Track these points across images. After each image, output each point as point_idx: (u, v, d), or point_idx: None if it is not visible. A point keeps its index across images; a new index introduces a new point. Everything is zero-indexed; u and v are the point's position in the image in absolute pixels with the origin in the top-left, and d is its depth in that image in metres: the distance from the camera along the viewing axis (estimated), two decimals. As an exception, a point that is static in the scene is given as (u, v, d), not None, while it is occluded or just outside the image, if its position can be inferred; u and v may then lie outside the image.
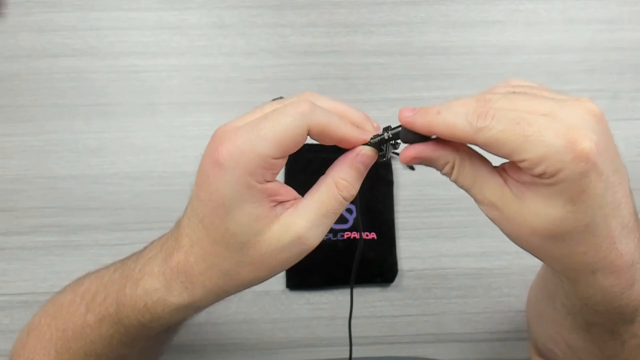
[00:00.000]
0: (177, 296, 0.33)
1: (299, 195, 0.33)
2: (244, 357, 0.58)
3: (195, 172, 0.31)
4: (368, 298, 0.59)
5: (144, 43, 0.66)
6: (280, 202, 0.31)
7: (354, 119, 0.33)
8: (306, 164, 0.59)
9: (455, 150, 0.30)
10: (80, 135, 0.63)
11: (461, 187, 0.31)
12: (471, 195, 0.31)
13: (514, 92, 0.29)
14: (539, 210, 0.27)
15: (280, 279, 0.59)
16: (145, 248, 0.37)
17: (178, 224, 0.34)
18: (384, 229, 0.60)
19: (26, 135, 0.62)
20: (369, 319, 0.58)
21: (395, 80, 0.65)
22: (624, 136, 0.64)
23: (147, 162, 0.62)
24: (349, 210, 0.60)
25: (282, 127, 0.29)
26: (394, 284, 0.59)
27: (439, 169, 0.31)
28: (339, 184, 0.31)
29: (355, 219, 0.59)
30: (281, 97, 0.33)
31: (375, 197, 0.60)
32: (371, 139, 0.32)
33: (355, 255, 0.59)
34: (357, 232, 0.59)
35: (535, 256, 0.31)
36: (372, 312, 0.59)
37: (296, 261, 0.32)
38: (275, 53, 0.66)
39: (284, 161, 0.30)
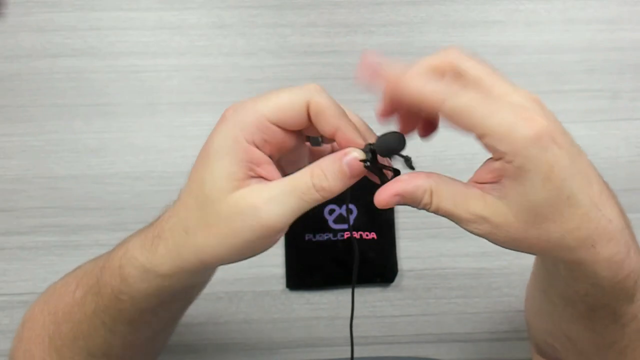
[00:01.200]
0: (144, 253, 0.33)
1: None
2: (244, 357, 0.58)
3: None
4: (368, 298, 0.59)
5: (144, 43, 0.66)
6: (260, 177, 0.31)
7: (357, 123, 0.33)
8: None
9: (428, 176, 0.30)
10: (80, 135, 0.63)
11: (444, 213, 0.30)
12: (456, 219, 0.30)
13: (479, 61, 0.30)
14: (522, 199, 0.27)
15: (280, 279, 0.59)
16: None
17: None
18: (384, 229, 0.60)
19: (26, 135, 0.62)
20: (369, 319, 0.58)
21: (395, 80, 0.65)
22: (624, 136, 0.64)
23: (147, 162, 0.62)
24: (349, 210, 0.60)
25: (284, 94, 0.31)
26: (394, 284, 0.59)
27: (418, 200, 0.30)
28: (314, 170, 0.31)
29: (355, 219, 0.59)
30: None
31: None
32: (369, 161, 0.31)
33: (355, 255, 0.59)
34: (357, 232, 0.59)
35: (537, 253, 0.31)
36: (372, 312, 0.59)
37: (253, 243, 0.30)
38: (275, 53, 0.66)
39: (278, 135, 0.31)
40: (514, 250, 0.30)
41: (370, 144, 0.31)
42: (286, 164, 0.36)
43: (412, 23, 0.67)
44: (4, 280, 0.59)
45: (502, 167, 0.27)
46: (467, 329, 0.59)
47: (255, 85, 0.65)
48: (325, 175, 0.30)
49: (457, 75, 0.30)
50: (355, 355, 0.57)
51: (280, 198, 0.30)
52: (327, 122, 0.31)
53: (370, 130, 0.34)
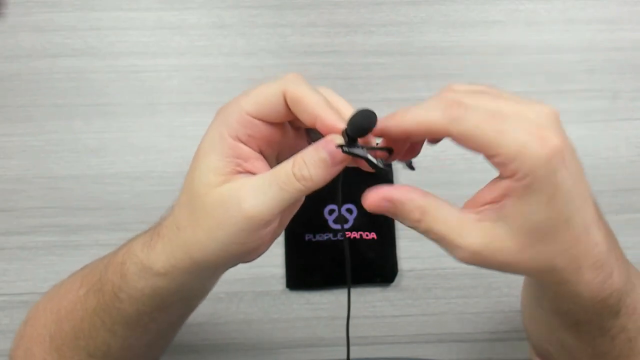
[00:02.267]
0: (142, 249, 0.33)
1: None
2: (244, 357, 0.58)
3: None
4: (368, 298, 0.59)
5: (144, 43, 0.66)
6: (249, 172, 0.31)
7: (337, 105, 0.32)
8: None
9: (424, 194, 0.29)
10: (80, 135, 0.63)
11: (435, 236, 0.29)
12: (447, 244, 0.28)
13: (479, 91, 0.29)
14: (523, 218, 0.27)
15: (280, 279, 0.59)
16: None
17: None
18: (384, 229, 0.60)
19: (26, 135, 0.62)
20: (368, 319, 0.58)
21: (395, 80, 0.65)
22: (624, 136, 0.64)
23: (147, 162, 0.62)
24: (349, 210, 0.60)
25: (262, 87, 0.31)
26: (394, 284, 0.59)
27: (407, 213, 0.29)
28: (296, 160, 0.30)
29: (355, 219, 0.59)
30: None
31: (375, 197, 0.60)
32: (345, 146, 0.30)
33: (356, 255, 0.59)
34: (357, 232, 0.59)
35: (525, 273, 0.30)
36: (372, 312, 0.59)
37: (237, 235, 0.30)
38: (275, 53, 0.66)
39: (261, 128, 0.31)
40: (499, 271, 0.30)
41: (345, 129, 0.30)
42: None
43: (412, 23, 0.67)
44: (4, 280, 0.59)
45: (508, 186, 0.27)
46: (467, 329, 0.59)
47: (255, 85, 0.65)
48: (305, 164, 0.30)
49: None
50: (355, 355, 0.57)
51: (262, 188, 0.30)
52: (305, 111, 0.30)
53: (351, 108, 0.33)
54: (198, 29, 0.67)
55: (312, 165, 0.30)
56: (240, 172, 0.31)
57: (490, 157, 0.27)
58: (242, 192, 0.30)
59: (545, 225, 0.27)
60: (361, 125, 0.29)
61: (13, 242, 0.59)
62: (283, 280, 0.59)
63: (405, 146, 0.32)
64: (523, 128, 0.26)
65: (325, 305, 0.59)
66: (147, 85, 0.65)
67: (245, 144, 0.31)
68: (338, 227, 0.59)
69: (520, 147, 0.26)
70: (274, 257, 0.59)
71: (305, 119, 0.31)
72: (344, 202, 0.60)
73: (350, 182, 0.60)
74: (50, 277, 0.59)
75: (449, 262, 0.60)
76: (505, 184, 0.27)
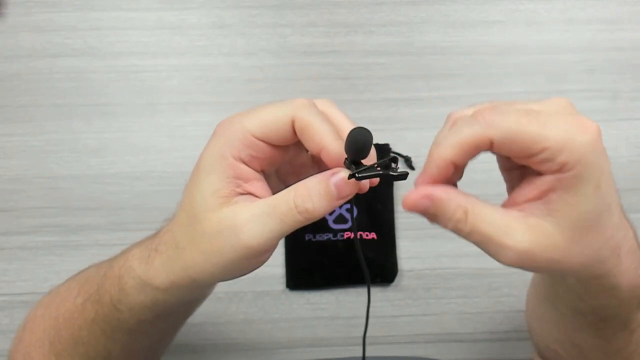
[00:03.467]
0: (140, 264, 0.33)
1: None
2: (244, 357, 0.58)
3: None
4: (368, 298, 0.59)
5: (144, 43, 0.66)
6: (248, 193, 0.31)
7: (337, 122, 0.31)
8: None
9: (465, 194, 0.27)
10: (80, 135, 0.63)
11: (479, 237, 0.27)
12: (494, 246, 0.26)
13: (497, 102, 0.29)
14: (572, 210, 0.26)
15: (280, 279, 0.59)
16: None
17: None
18: (384, 229, 0.60)
19: (26, 135, 0.62)
20: (369, 319, 0.58)
21: (395, 80, 0.65)
22: (624, 136, 0.64)
23: (147, 162, 0.62)
24: (349, 210, 0.60)
25: (270, 109, 0.30)
26: (394, 284, 0.59)
27: (449, 213, 0.27)
28: (298, 190, 0.29)
29: (355, 219, 0.59)
30: None
31: (375, 197, 0.60)
32: (357, 172, 0.28)
33: (355, 255, 0.59)
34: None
35: (569, 271, 0.28)
36: (372, 312, 0.58)
37: (233, 263, 0.30)
38: (275, 53, 0.66)
39: (265, 150, 0.30)
40: (544, 273, 0.29)
41: (346, 159, 0.29)
42: (286, 174, 0.35)
43: (412, 23, 0.67)
44: (4, 280, 0.59)
45: (554, 180, 0.26)
46: (467, 329, 0.59)
47: (255, 85, 0.65)
48: (309, 196, 0.29)
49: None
50: (355, 354, 0.57)
51: (260, 219, 0.29)
52: (312, 140, 0.29)
53: None
54: (198, 29, 0.67)
55: (317, 198, 0.29)
56: (240, 194, 0.30)
57: (535, 154, 0.25)
58: (241, 221, 0.29)
59: (593, 215, 0.26)
60: (358, 147, 0.28)
61: (13, 242, 0.59)
62: (283, 280, 0.59)
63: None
64: (560, 119, 0.25)
65: (325, 305, 0.59)
66: (147, 85, 0.65)
67: (246, 164, 0.30)
68: (338, 227, 0.59)
69: (566, 137, 0.25)
70: (274, 257, 0.59)
71: (312, 147, 0.30)
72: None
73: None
74: (50, 277, 0.59)
75: (449, 262, 0.60)
76: (549, 178, 0.26)
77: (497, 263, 0.58)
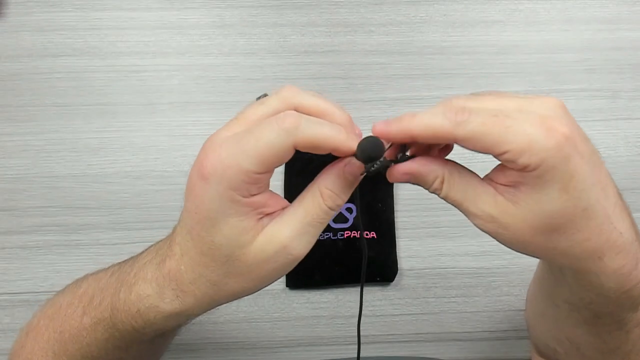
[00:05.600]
0: (169, 303, 0.33)
1: (288, 204, 0.32)
2: (244, 357, 0.58)
3: (194, 162, 0.31)
4: (368, 297, 0.59)
5: (145, 43, 0.66)
6: (268, 214, 0.31)
7: (340, 122, 0.31)
8: (306, 164, 0.59)
9: (444, 164, 0.30)
10: (80, 134, 0.63)
11: (452, 202, 0.30)
12: (464, 211, 0.30)
13: (481, 94, 0.29)
14: (536, 207, 0.27)
15: (280, 278, 0.59)
16: (142, 252, 0.37)
17: (173, 229, 0.34)
18: (383, 228, 0.60)
19: (27, 134, 0.63)
20: (369, 318, 0.59)
21: (395, 79, 0.66)
22: (623, 135, 0.64)
23: (147, 161, 0.62)
24: (348, 209, 0.60)
25: (265, 143, 0.28)
26: (393, 283, 0.59)
27: (429, 184, 0.30)
28: (324, 193, 0.31)
29: (355, 218, 0.59)
30: (265, 95, 0.32)
31: (375, 197, 0.61)
32: (368, 167, 0.30)
33: (355, 255, 0.59)
34: (357, 231, 0.59)
35: (541, 257, 0.31)
36: (372, 311, 0.59)
37: (286, 271, 0.32)
38: (275, 52, 0.66)
39: (270, 174, 0.30)
40: (518, 251, 0.30)
41: (355, 154, 0.30)
42: None
43: (412, 23, 0.68)
44: (5, 279, 0.59)
45: (519, 176, 0.27)
46: (466, 328, 0.59)
47: (255, 84, 0.65)
48: (335, 194, 0.31)
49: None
50: (354, 354, 0.57)
51: (302, 230, 0.30)
52: (322, 149, 0.30)
53: (353, 123, 0.32)
54: (198, 28, 0.67)
55: (342, 192, 0.31)
56: (262, 218, 0.31)
57: (499, 155, 0.27)
58: (286, 240, 0.30)
59: (559, 216, 0.27)
60: (370, 154, 0.29)
61: (14, 242, 0.60)
62: (283, 279, 0.59)
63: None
64: (528, 121, 0.26)
65: (325, 304, 0.59)
66: (148, 85, 0.65)
67: (257, 194, 0.30)
68: (338, 226, 0.59)
69: (527, 140, 0.25)
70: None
71: (321, 152, 0.30)
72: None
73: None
74: (51, 276, 0.59)
75: (449, 261, 0.60)
76: (516, 174, 0.27)
77: (496, 262, 0.59)
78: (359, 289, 0.59)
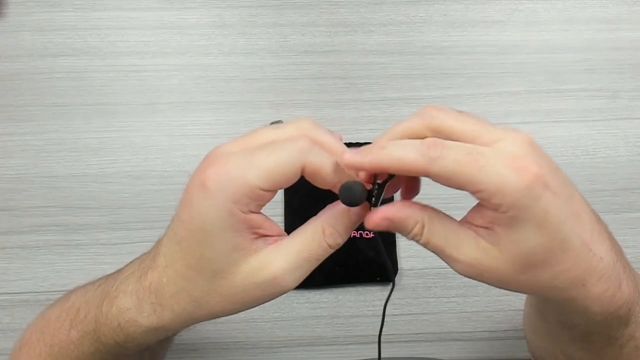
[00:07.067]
0: (146, 318, 0.32)
1: (284, 232, 0.32)
2: (244, 356, 0.58)
3: (195, 171, 0.31)
4: (368, 297, 0.59)
5: (145, 43, 0.66)
6: (263, 236, 0.30)
7: (329, 148, 0.31)
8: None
9: (423, 209, 0.29)
10: (80, 134, 0.63)
11: (433, 248, 0.29)
12: (445, 257, 0.29)
13: (454, 112, 0.29)
14: (515, 247, 0.27)
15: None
16: (126, 265, 0.36)
17: (158, 242, 0.33)
18: (383, 228, 0.60)
19: (27, 134, 0.63)
20: (369, 318, 0.59)
21: (395, 79, 0.66)
22: (623, 135, 0.64)
23: (147, 161, 0.62)
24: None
25: (276, 160, 0.28)
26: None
27: (408, 230, 0.29)
28: (327, 230, 0.30)
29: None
30: (280, 121, 0.32)
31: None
32: (373, 202, 0.30)
33: (355, 254, 0.59)
34: (357, 231, 0.59)
35: (525, 292, 0.31)
36: (372, 311, 0.59)
37: (270, 300, 0.31)
38: (275, 52, 0.66)
39: (273, 195, 0.29)
40: (501, 288, 0.30)
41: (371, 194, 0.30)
42: None
43: (411, 22, 0.68)
44: (4, 279, 0.59)
45: (495, 216, 0.27)
46: (467, 327, 0.59)
47: (255, 84, 0.65)
48: (337, 232, 0.30)
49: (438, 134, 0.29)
50: (355, 354, 0.57)
51: (298, 264, 0.30)
52: (324, 182, 0.30)
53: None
54: (198, 28, 0.67)
55: (344, 231, 0.31)
56: (256, 238, 0.30)
57: (474, 193, 0.27)
58: (279, 271, 0.30)
59: (538, 251, 0.27)
60: (350, 201, 0.29)
61: (14, 241, 0.60)
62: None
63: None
64: (500, 162, 0.26)
65: (325, 304, 0.59)
66: (148, 85, 0.65)
67: (255, 212, 0.30)
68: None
69: (499, 181, 0.26)
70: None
71: (321, 185, 0.30)
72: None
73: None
74: (51, 276, 0.59)
75: (449, 261, 0.60)
76: (491, 213, 0.27)
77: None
78: (359, 289, 0.59)
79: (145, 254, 0.35)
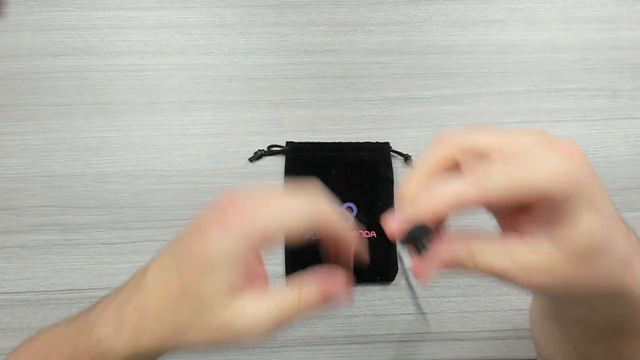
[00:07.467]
0: (124, 344, 0.32)
1: (268, 279, 0.34)
2: (245, 356, 0.58)
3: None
4: (368, 297, 0.59)
5: (145, 42, 0.66)
6: (252, 287, 0.31)
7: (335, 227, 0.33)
8: (306, 164, 0.59)
9: (462, 238, 0.28)
10: (80, 134, 0.63)
11: (486, 269, 0.28)
12: (502, 274, 0.28)
13: (466, 130, 0.29)
14: (575, 237, 0.26)
15: (280, 278, 0.59)
16: (96, 303, 0.36)
17: (142, 270, 0.34)
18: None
19: (27, 133, 0.63)
20: (369, 318, 0.59)
21: (395, 79, 0.66)
22: (623, 135, 0.64)
23: (147, 160, 0.62)
24: (349, 209, 0.60)
25: (295, 212, 0.31)
26: (394, 282, 0.59)
27: (465, 267, 0.28)
28: (302, 299, 0.32)
29: (355, 218, 0.59)
30: None
31: (375, 196, 0.61)
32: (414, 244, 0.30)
33: (355, 254, 0.59)
34: (357, 231, 0.59)
35: (580, 291, 0.29)
36: (372, 310, 0.59)
37: (227, 346, 0.32)
38: (276, 52, 0.66)
39: (278, 243, 0.31)
40: (561, 294, 0.29)
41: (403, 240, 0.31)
42: None
43: (412, 22, 0.68)
44: (4, 278, 0.59)
45: (552, 214, 0.26)
46: (467, 327, 0.59)
47: (255, 84, 0.65)
48: (310, 304, 0.32)
49: (467, 155, 0.29)
50: (355, 353, 0.57)
51: (275, 322, 0.31)
52: (326, 237, 0.32)
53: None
54: (198, 28, 0.67)
55: (315, 304, 0.32)
56: (248, 282, 0.31)
57: (533, 195, 0.26)
58: (256, 326, 0.30)
59: (600, 238, 0.26)
60: (419, 238, 0.29)
61: (14, 241, 0.60)
62: (283, 279, 0.59)
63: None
64: (543, 156, 0.26)
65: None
66: (148, 84, 0.65)
67: (256, 256, 0.31)
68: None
69: (554, 173, 0.25)
70: (274, 256, 0.59)
71: (326, 235, 0.33)
72: (344, 201, 0.60)
73: (350, 181, 0.60)
74: (51, 275, 0.59)
75: (449, 261, 0.60)
76: (547, 213, 0.26)
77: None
78: (359, 288, 0.59)
79: (117, 288, 0.35)
